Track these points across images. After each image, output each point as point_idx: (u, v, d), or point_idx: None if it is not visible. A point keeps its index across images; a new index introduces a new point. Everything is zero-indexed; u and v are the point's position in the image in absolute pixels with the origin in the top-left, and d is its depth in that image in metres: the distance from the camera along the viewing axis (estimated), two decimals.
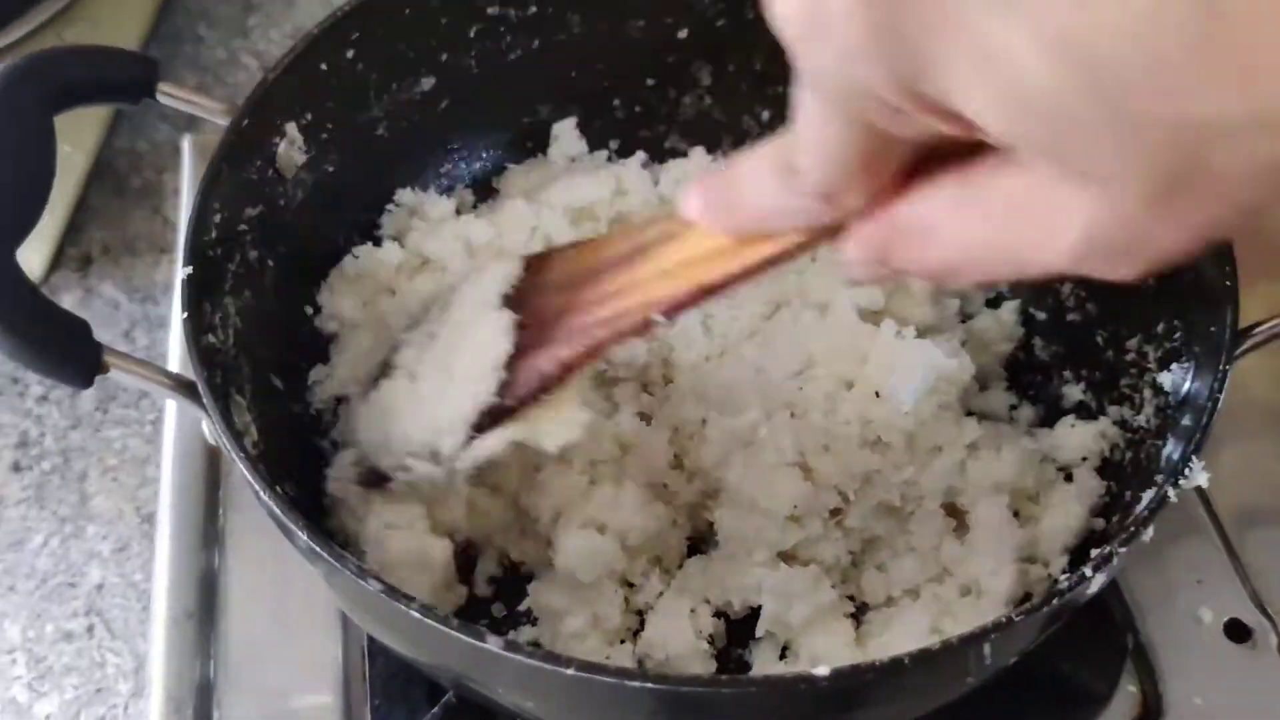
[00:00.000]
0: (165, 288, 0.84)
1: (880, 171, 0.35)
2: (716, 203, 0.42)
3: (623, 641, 0.60)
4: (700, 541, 0.64)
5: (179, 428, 0.72)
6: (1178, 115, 0.27)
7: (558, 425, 0.52)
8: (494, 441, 0.52)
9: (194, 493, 0.70)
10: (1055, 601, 0.45)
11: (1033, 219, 0.32)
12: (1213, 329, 0.55)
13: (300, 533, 0.46)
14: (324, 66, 0.64)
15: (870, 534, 0.62)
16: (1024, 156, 0.32)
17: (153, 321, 0.83)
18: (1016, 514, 0.62)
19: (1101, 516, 0.61)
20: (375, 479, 0.58)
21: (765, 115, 0.78)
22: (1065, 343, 0.69)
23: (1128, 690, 0.63)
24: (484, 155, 0.76)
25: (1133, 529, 0.48)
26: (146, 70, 0.58)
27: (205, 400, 0.50)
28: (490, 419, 0.52)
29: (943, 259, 0.36)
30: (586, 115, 0.76)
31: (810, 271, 0.69)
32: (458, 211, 0.74)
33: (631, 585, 0.61)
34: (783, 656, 0.60)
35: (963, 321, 0.72)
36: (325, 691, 0.62)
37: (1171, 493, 0.49)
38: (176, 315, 0.79)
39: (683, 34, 0.74)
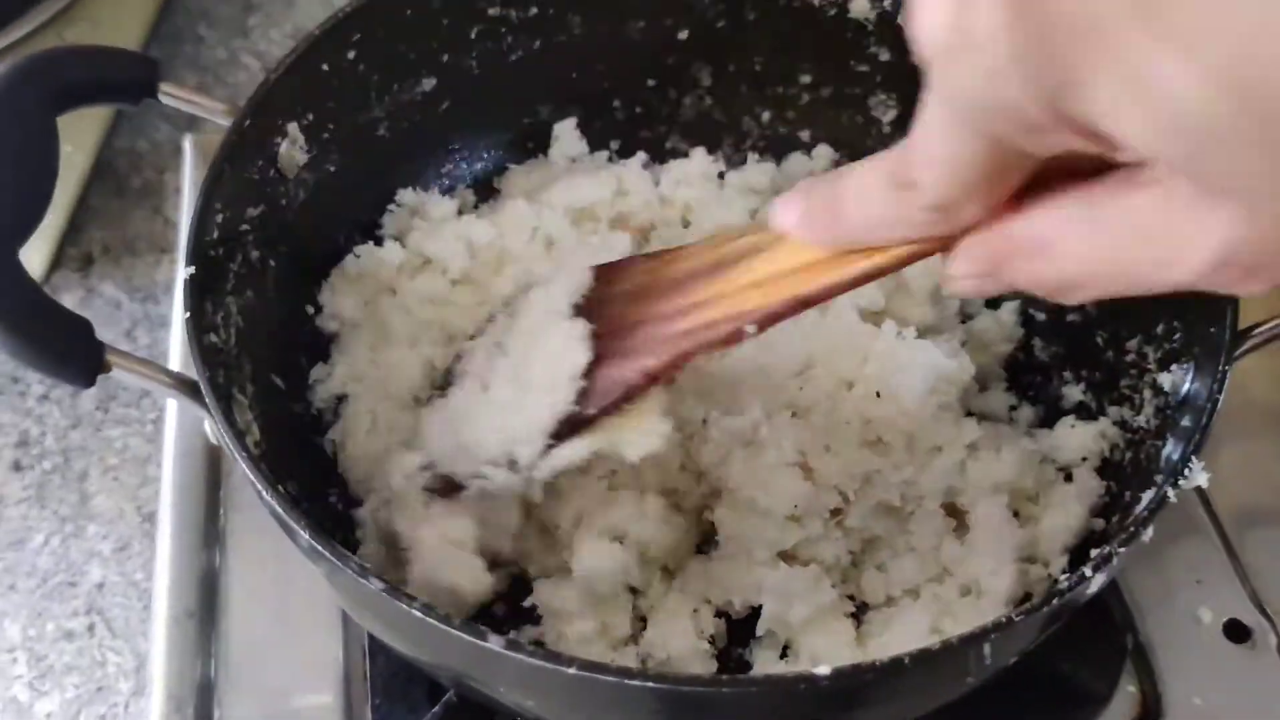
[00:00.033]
0: (166, 287, 0.84)
1: (1001, 187, 0.36)
2: (819, 215, 0.42)
3: (625, 645, 0.60)
4: (701, 542, 0.64)
5: (180, 427, 0.72)
6: None
7: (640, 435, 0.52)
8: (573, 451, 0.53)
9: (195, 492, 0.70)
10: (1055, 601, 0.45)
11: (1162, 236, 0.33)
12: (1212, 330, 0.55)
13: (302, 532, 0.46)
14: (325, 67, 0.64)
15: (870, 534, 0.62)
16: (1163, 174, 0.32)
17: (154, 321, 0.83)
18: (1016, 514, 0.62)
19: (1101, 517, 0.61)
20: (448, 487, 0.57)
21: (765, 116, 0.78)
22: (1065, 343, 0.69)
23: (1127, 690, 0.63)
24: (485, 155, 0.77)
25: (1132, 529, 0.48)
26: (148, 70, 0.59)
27: (207, 399, 0.50)
28: (569, 428, 0.52)
29: (1060, 275, 0.36)
30: (587, 116, 0.77)
31: None
32: (459, 212, 0.74)
33: (636, 591, 0.61)
34: (783, 656, 0.60)
35: (963, 322, 0.72)
36: (326, 691, 0.63)
37: (1171, 493, 0.49)
38: (178, 315, 0.79)
39: (683, 35, 0.74)
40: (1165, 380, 0.59)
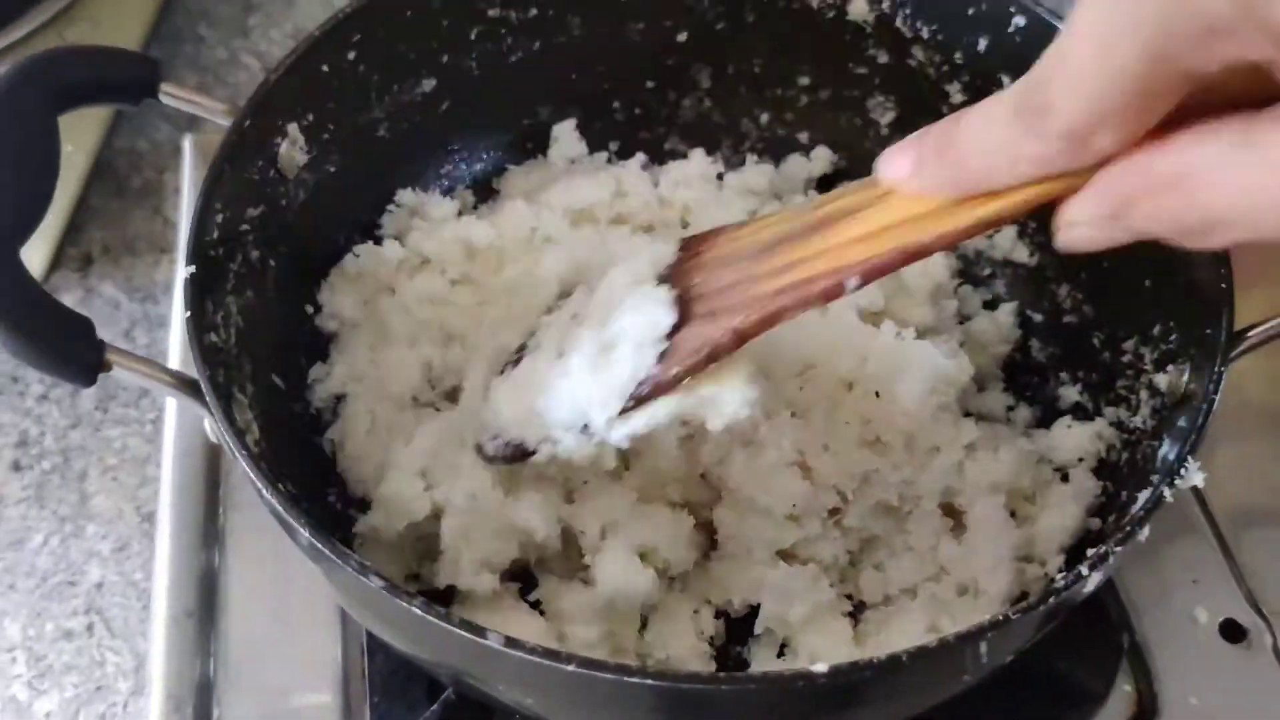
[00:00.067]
0: (165, 287, 0.84)
1: (1146, 114, 0.33)
2: (934, 161, 0.39)
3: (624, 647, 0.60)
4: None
5: (179, 426, 0.73)
6: None
7: (726, 400, 0.50)
8: (652, 414, 0.51)
9: (194, 492, 0.70)
10: (1052, 600, 0.46)
11: None
12: (1209, 331, 0.55)
13: (302, 530, 0.47)
14: (325, 68, 0.64)
15: (868, 533, 0.63)
16: None
17: (153, 321, 0.83)
18: (1013, 514, 0.63)
19: (1098, 516, 0.62)
20: (516, 454, 0.56)
21: (764, 117, 0.78)
22: (1062, 344, 0.70)
23: (1123, 689, 0.63)
24: (484, 156, 0.77)
25: (1129, 528, 0.48)
26: (149, 70, 0.59)
27: (208, 398, 0.50)
28: (651, 391, 0.50)
29: (1204, 214, 0.33)
30: (586, 117, 0.77)
31: None
32: (459, 213, 0.74)
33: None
34: (781, 655, 0.60)
35: (961, 323, 0.72)
36: (325, 690, 0.63)
37: (1167, 493, 0.49)
38: (177, 314, 0.79)
39: (682, 37, 0.75)
40: (1161, 381, 0.60)
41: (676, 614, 0.60)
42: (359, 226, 0.72)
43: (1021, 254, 0.72)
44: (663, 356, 0.50)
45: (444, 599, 0.60)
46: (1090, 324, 0.68)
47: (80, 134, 0.86)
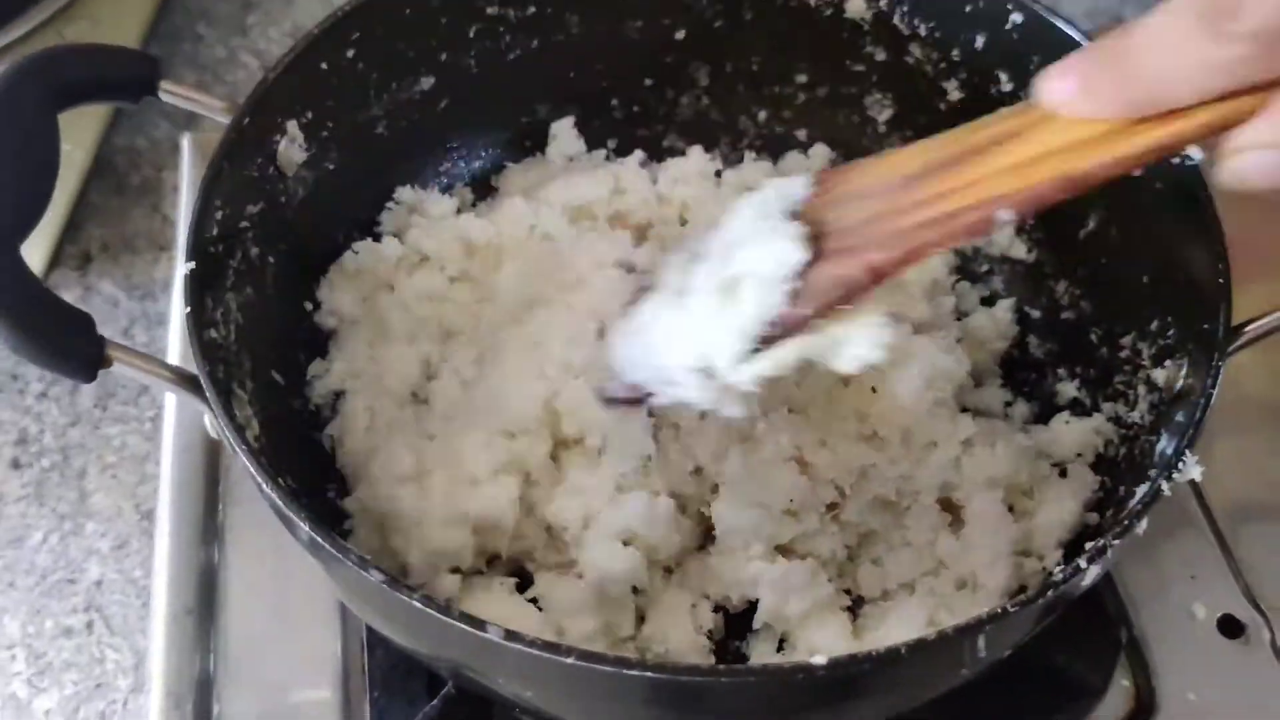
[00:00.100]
0: (164, 285, 0.84)
1: None
2: (1104, 78, 0.35)
3: (625, 641, 0.60)
4: (701, 538, 0.64)
5: (179, 423, 0.73)
6: None
7: (859, 340, 0.46)
8: (780, 356, 0.47)
9: (194, 489, 0.70)
10: (1049, 593, 0.46)
11: None
12: (1206, 326, 0.55)
13: (302, 524, 0.47)
14: (324, 65, 0.65)
15: (866, 528, 0.63)
16: None
17: (151, 319, 0.83)
18: (1011, 509, 0.63)
19: (1096, 511, 0.62)
20: (635, 397, 0.54)
21: (762, 115, 0.78)
22: (1060, 340, 0.70)
23: (1121, 685, 0.64)
24: (483, 154, 0.77)
25: (1126, 522, 0.48)
26: (148, 68, 0.59)
27: (208, 394, 0.50)
28: (780, 332, 0.47)
29: None
30: (585, 115, 0.77)
31: None
32: (457, 210, 0.74)
33: (636, 589, 0.61)
34: (780, 649, 0.60)
35: (958, 319, 0.72)
36: (324, 686, 0.63)
37: (1165, 487, 0.49)
38: (176, 312, 0.79)
39: (680, 35, 0.75)
40: (1159, 376, 0.60)
41: (674, 608, 0.60)
42: (358, 224, 0.72)
43: (1019, 250, 0.73)
44: (792, 295, 0.46)
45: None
46: (1088, 320, 0.68)
47: (79, 132, 0.86)
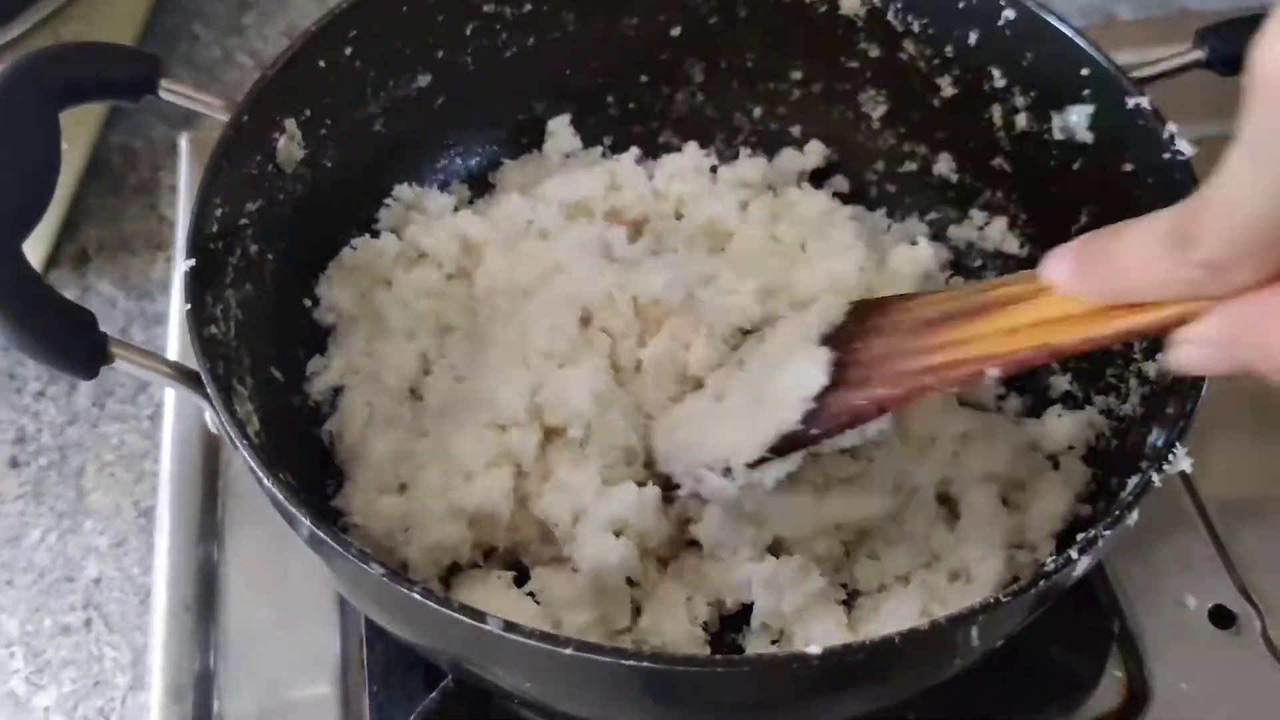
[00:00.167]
0: (162, 285, 0.84)
1: None
2: (1091, 268, 0.42)
3: (622, 634, 0.61)
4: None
5: (178, 420, 0.73)
6: None
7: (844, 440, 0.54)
8: (785, 465, 0.55)
9: (193, 486, 0.70)
10: (1041, 583, 0.46)
11: None
12: None
13: (303, 519, 0.47)
14: (322, 64, 0.65)
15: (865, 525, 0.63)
16: None
17: (149, 318, 0.83)
18: (1005, 501, 0.63)
19: (1088, 503, 0.62)
20: (663, 485, 0.61)
21: (757, 111, 0.79)
22: None
23: (1114, 675, 0.64)
24: (480, 151, 0.77)
25: (1118, 513, 0.48)
26: (148, 67, 0.59)
27: (209, 389, 0.50)
28: (791, 444, 0.54)
29: None
30: (581, 112, 0.77)
31: (800, 265, 0.71)
32: (455, 207, 0.75)
33: (633, 582, 0.62)
34: (775, 643, 0.61)
35: None
36: (324, 681, 0.63)
37: (1156, 478, 0.50)
38: (174, 311, 0.79)
39: (676, 31, 0.75)
40: (1151, 368, 0.60)
41: (670, 601, 0.60)
42: (356, 221, 0.72)
43: (1012, 245, 0.73)
44: (808, 414, 0.54)
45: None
46: None
47: (76, 132, 0.86)
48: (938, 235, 0.75)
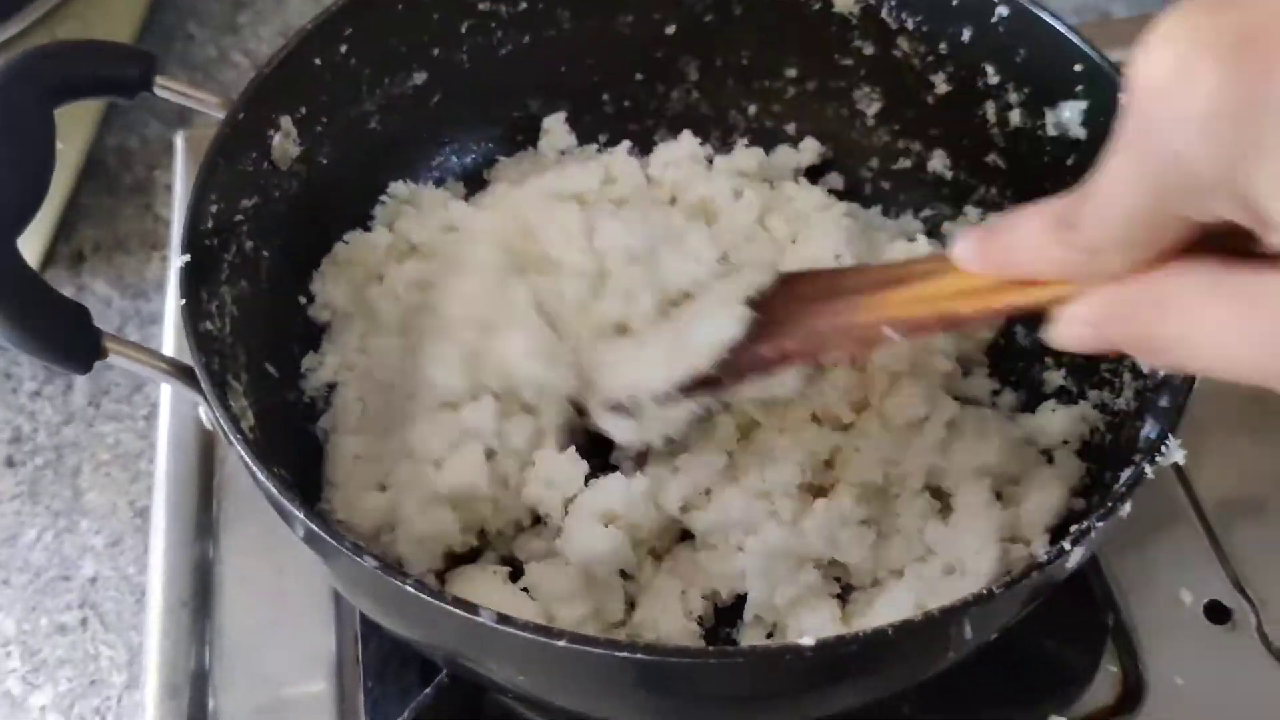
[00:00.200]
0: (157, 285, 0.85)
1: (1151, 245, 0.38)
2: (986, 246, 0.45)
3: (616, 627, 0.61)
4: (686, 530, 0.65)
5: (173, 418, 0.73)
6: None
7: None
8: (689, 408, 0.59)
9: (188, 484, 0.71)
10: (1034, 575, 0.46)
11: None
12: None
13: (297, 513, 0.47)
14: (318, 61, 0.65)
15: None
16: None
17: (144, 318, 0.83)
18: (999, 495, 0.63)
19: (1082, 497, 0.62)
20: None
21: (752, 109, 0.79)
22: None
23: (1109, 670, 0.64)
24: (475, 149, 0.77)
25: (1110, 504, 0.49)
26: (144, 64, 0.59)
27: (203, 384, 0.50)
28: (698, 386, 0.58)
29: (1164, 336, 0.39)
30: (576, 109, 0.77)
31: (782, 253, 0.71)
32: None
33: (627, 575, 0.62)
34: (770, 637, 0.61)
35: None
36: (319, 678, 0.63)
37: (1149, 469, 0.50)
38: (169, 309, 0.79)
39: (670, 29, 0.75)
40: (1144, 363, 0.60)
41: (664, 594, 0.60)
42: (352, 218, 0.72)
43: None
44: (721, 365, 0.57)
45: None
46: None
47: (71, 131, 0.86)
48: (932, 232, 0.75)
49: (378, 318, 0.68)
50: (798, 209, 0.74)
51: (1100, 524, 0.48)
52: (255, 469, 0.49)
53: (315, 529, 0.47)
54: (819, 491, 0.63)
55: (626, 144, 0.77)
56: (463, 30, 0.71)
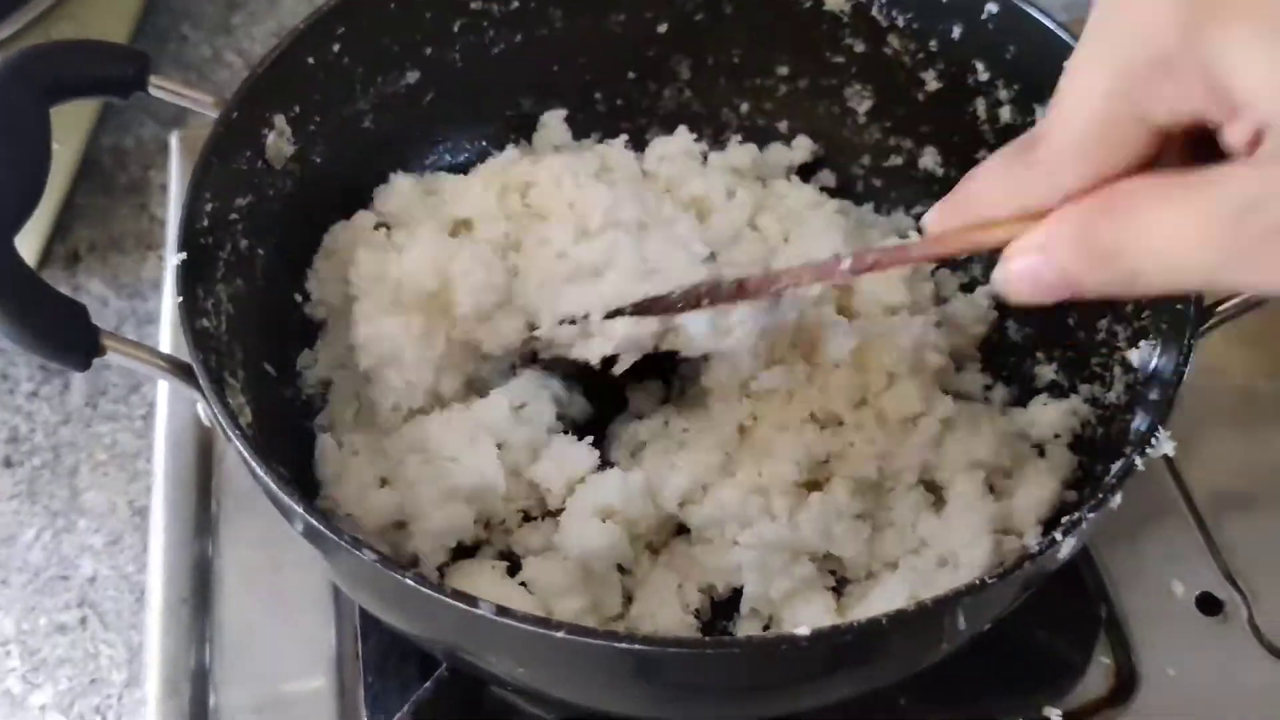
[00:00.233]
0: (153, 284, 0.85)
1: (1113, 150, 0.37)
2: (948, 202, 0.45)
3: (614, 621, 0.61)
4: (682, 524, 0.65)
5: (171, 416, 0.73)
6: None
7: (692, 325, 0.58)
8: (639, 325, 0.59)
9: (187, 481, 0.71)
10: (1027, 565, 0.47)
11: (1262, 222, 0.33)
12: (1179, 306, 0.56)
13: (298, 509, 0.47)
14: (311, 60, 0.65)
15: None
16: (1268, 157, 0.33)
17: (140, 317, 0.84)
18: (992, 489, 0.64)
19: (1074, 490, 0.63)
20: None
21: (744, 107, 0.79)
22: (1037, 325, 0.71)
23: (1102, 661, 0.65)
24: (468, 147, 0.77)
25: (1101, 495, 0.49)
26: (139, 64, 0.59)
27: (201, 380, 0.51)
28: (648, 306, 0.59)
29: (1129, 245, 0.36)
30: (569, 108, 0.78)
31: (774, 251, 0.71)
32: None
33: (624, 570, 0.62)
34: (766, 630, 0.61)
35: (938, 305, 0.73)
36: (319, 674, 0.63)
37: (1139, 460, 0.50)
38: (165, 309, 0.79)
39: (662, 28, 0.76)
40: (1134, 357, 0.61)
41: (661, 588, 0.61)
42: (345, 217, 0.72)
43: None
44: (679, 294, 0.57)
45: None
46: (1064, 304, 0.68)
47: (66, 132, 0.86)
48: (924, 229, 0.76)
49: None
50: (790, 207, 0.75)
51: (1091, 515, 0.48)
52: (255, 465, 0.49)
53: (315, 524, 0.47)
54: (814, 486, 0.63)
55: (623, 138, 0.78)
56: (455, 29, 0.71)
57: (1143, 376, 0.60)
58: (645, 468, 0.63)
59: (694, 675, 0.47)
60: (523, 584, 0.60)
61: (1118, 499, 0.50)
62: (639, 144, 0.78)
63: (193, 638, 0.65)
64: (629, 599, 0.62)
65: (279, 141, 0.64)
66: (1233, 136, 0.34)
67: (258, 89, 0.62)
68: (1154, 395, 0.56)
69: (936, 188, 0.75)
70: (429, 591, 0.44)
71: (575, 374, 0.66)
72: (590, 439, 0.64)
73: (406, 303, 0.63)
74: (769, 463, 0.62)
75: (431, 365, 0.63)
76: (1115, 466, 0.52)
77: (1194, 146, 0.37)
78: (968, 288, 0.74)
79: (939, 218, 0.45)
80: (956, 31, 0.69)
